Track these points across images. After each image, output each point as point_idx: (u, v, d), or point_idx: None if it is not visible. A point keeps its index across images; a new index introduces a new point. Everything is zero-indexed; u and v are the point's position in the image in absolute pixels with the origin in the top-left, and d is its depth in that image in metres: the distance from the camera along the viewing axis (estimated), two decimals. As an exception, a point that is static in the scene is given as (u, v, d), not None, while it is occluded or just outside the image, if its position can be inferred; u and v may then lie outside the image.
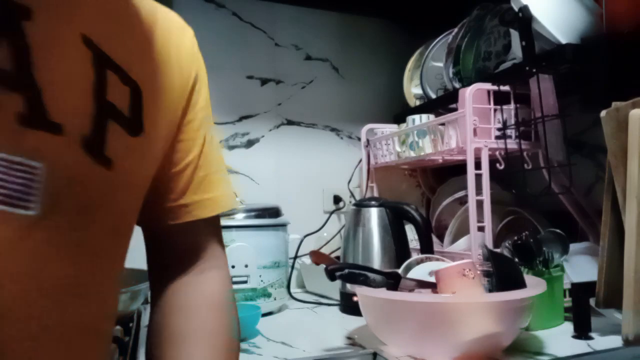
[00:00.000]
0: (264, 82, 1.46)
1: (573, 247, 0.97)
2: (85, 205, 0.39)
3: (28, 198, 0.35)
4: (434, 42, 1.33)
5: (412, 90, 1.43)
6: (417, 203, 1.46)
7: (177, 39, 0.52)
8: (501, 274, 0.79)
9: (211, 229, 0.57)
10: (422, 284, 0.85)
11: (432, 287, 0.82)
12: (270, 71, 1.47)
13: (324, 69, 1.53)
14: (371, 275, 0.84)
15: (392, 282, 0.83)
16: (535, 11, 0.91)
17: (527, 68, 0.94)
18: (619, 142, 0.79)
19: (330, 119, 1.53)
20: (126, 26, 0.46)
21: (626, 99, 0.82)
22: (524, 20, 0.91)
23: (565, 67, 0.93)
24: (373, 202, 1.13)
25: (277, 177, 1.46)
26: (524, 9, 0.91)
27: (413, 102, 1.43)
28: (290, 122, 1.48)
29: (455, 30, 1.24)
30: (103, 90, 0.40)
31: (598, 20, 0.93)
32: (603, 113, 0.79)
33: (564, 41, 0.91)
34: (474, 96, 1.03)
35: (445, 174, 1.40)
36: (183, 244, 0.55)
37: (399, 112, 1.48)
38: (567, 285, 0.94)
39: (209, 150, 0.55)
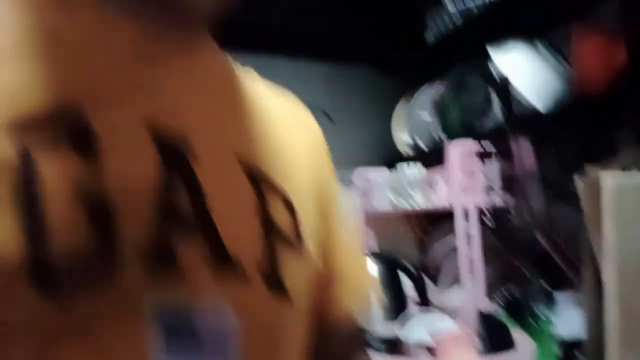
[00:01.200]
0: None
1: (561, 296, 1.03)
2: (274, 347, 0.35)
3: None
4: (419, 91, 1.39)
5: (402, 137, 1.49)
6: (411, 244, 1.52)
7: (310, 141, 0.49)
8: (492, 336, 0.85)
9: None
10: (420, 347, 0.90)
11: (430, 350, 0.87)
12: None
13: (315, 116, 1.59)
14: (371, 338, 0.89)
15: (393, 346, 0.88)
16: (514, 80, 0.97)
17: (507, 131, 1.00)
18: (594, 205, 0.85)
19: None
20: (269, 140, 0.42)
21: (600, 159, 0.88)
22: (504, 89, 0.98)
23: (542, 130, 1.00)
24: (367, 253, 1.19)
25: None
26: (504, 80, 0.97)
27: (403, 148, 1.49)
28: (286, 172, 1.53)
29: (439, 85, 1.30)
30: (265, 213, 0.37)
31: (573, 84, 0.99)
32: (576, 178, 0.85)
33: (540, 107, 0.97)
34: (459, 154, 1.09)
35: (438, 217, 1.46)
36: None
37: (389, 155, 1.54)
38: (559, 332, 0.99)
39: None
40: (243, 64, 0.48)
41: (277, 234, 0.37)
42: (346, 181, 1.59)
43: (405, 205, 1.31)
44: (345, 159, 1.58)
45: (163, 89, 0.34)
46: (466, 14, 1.06)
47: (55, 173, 0.27)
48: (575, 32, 0.98)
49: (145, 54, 0.34)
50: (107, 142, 0.29)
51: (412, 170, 1.30)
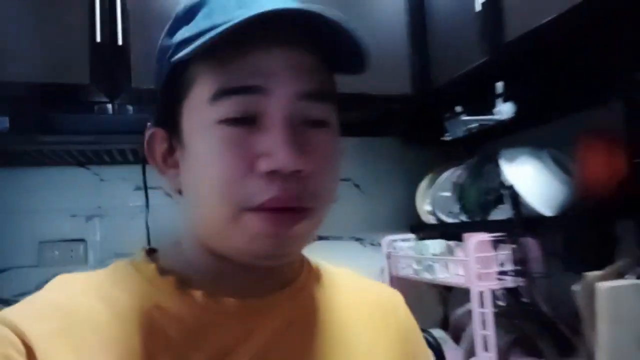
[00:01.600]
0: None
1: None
2: None
3: None
4: (442, 176, 1.56)
5: (425, 207, 1.66)
6: (437, 306, 1.68)
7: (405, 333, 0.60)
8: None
9: None
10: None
11: None
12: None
13: (346, 187, 1.77)
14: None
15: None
16: (521, 189, 1.14)
17: (516, 231, 1.16)
18: (590, 311, 1.00)
19: (354, 230, 1.77)
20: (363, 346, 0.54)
21: (602, 265, 1.03)
22: (512, 195, 1.14)
23: (547, 232, 1.15)
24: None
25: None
26: (511, 189, 1.14)
27: (426, 218, 1.66)
28: (320, 238, 1.72)
29: (459, 170, 1.47)
30: None
31: (577, 190, 1.15)
32: (576, 287, 1.01)
33: (546, 213, 1.13)
34: (476, 244, 1.25)
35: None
36: None
37: (414, 223, 1.71)
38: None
39: None
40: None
41: None
42: (375, 245, 1.77)
43: (426, 275, 1.47)
44: (375, 224, 1.76)
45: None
46: (480, 126, 1.22)
47: None
48: (581, 140, 1.13)
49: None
50: None
51: (435, 246, 1.46)
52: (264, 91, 0.43)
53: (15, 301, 0.45)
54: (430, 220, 1.64)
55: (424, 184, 1.65)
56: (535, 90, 1.16)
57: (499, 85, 1.16)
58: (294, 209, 0.44)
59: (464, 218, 1.44)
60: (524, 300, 1.25)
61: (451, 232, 1.44)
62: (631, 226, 1.08)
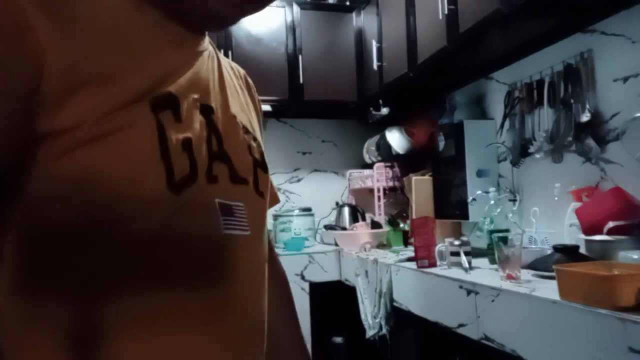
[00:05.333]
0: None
1: None
2: (260, 227, 0.64)
3: (246, 225, 0.59)
4: (371, 140, 3.21)
5: (365, 154, 3.30)
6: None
7: (252, 91, 0.76)
8: None
9: None
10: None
11: None
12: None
13: (330, 145, 3.44)
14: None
15: None
16: (392, 143, 2.79)
17: (389, 161, 2.83)
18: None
19: (333, 167, 3.44)
20: (242, 96, 0.70)
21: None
22: (389, 146, 2.79)
23: (401, 160, 2.81)
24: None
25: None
26: (389, 143, 2.79)
27: (367, 160, 3.30)
28: (315, 170, 3.41)
29: (377, 137, 3.13)
30: (251, 150, 0.64)
31: (413, 143, 2.79)
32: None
33: (400, 152, 2.77)
34: (380, 167, 2.90)
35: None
36: None
37: (361, 163, 3.36)
38: None
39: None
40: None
41: (256, 162, 0.64)
42: (344, 175, 3.44)
43: (369, 184, 3.13)
44: (343, 164, 3.42)
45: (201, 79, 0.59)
46: (382, 117, 2.88)
47: (171, 132, 0.52)
48: (416, 124, 2.77)
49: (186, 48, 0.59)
50: (185, 115, 0.54)
51: (368, 172, 3.12)
52: None
53: None
54: (367, 160, 3.29)
55: (366, 144, 3.30)
56: (399, 101, 2.80)
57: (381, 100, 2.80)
58: None
59: (380, 159, 3.08)
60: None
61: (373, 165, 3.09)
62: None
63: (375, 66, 2.76)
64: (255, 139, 0.66)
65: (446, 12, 1.99)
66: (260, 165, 0.65)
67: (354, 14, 3.12)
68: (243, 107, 0.68)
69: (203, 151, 0.55)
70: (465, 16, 1.90)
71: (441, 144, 2.40)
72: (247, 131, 0.65)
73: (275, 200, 0.79)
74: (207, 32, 0.64)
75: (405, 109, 2.89)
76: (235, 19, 0.61)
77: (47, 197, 0.49)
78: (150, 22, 0.56)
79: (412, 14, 2.39)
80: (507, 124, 2.16)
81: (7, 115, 0.46)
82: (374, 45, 2.77)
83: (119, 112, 0.49)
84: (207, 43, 0.64)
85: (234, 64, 0.75)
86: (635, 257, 1.27)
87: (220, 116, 0.60)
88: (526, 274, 1.52)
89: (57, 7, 0.48)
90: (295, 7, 3.00)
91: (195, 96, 0.57)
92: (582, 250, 1.51)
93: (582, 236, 1.57)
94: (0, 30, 0.45)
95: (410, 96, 2.78)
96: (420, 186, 2.60)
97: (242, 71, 0.77)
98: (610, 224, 1.48)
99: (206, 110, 0.58)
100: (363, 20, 3.06)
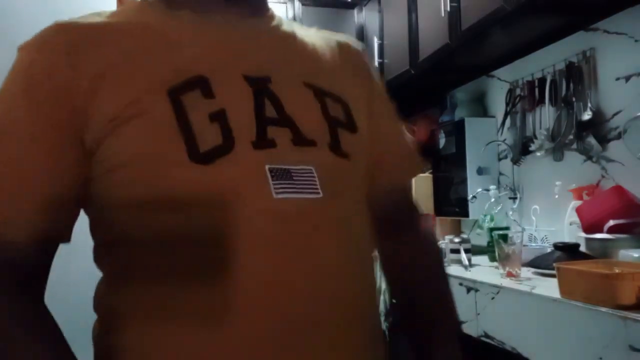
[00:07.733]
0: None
1: None
2: (341, 189, 0.60)
3: (313, 188, 0.56)
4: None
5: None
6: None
7: (355, 58, 0.74)
8: None
9: None
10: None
11: None
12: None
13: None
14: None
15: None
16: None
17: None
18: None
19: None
20: (327, 63, 0.68)
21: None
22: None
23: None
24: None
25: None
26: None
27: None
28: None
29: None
30: (327, 111, 0.62)
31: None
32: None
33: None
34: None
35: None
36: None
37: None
38: None
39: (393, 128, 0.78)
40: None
41: (337, 123, 0.62)
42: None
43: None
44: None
45: (252, 52, 0.61)
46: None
47: (197, 109, 0.54)
48: (415, 121, 2.75)
49: (234, 29, 0.61)
50: (217, 90, 0.56)
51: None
52: None
53: None
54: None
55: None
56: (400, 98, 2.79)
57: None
58: None
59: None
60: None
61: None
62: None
63: (376, 63, 2.75)
64: (339, 100, 0.64)
65: (448, 9, 1.99)
66: (344, 125, 0.63)
67: (355, 10, 3.10)
68: (326, 71, 0.67)
69: (247, 118, 0.56)
70: (468, 13, 1.90)
71: (442, 142, 2.39)
72: (323, 93, 0.63)
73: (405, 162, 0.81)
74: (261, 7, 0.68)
75: (406, 106, 2.86)
76: None
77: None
78: (185, 20, 0.61)
79: (414, 11, 2.38)
80: (508, 121, 2.16)
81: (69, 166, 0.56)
82: (376, 42, 2.76)
83: (132, 104, 0.54)
84: (267, 17, 0.67)
85: (338, 36, 0.75)
86: (636, 255, 1.26)
87: (282, 83, 0.60)
88: (526, 272, 1.52)
89: (90, 57, 0.56)
90: (297, 3, 2.98)
91: (239, 70, 0.59)
92: (583, 248, 1.51)
93: (583, 234, 1.57)
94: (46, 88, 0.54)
95: (411, 93, 2.77)
96: (421, 183, 2.60)
97: (346, 42, 0.75)
98: (611, 223, 1.48)
99: (256, 81, 0.59)
100: (365, 16, 3.05)
